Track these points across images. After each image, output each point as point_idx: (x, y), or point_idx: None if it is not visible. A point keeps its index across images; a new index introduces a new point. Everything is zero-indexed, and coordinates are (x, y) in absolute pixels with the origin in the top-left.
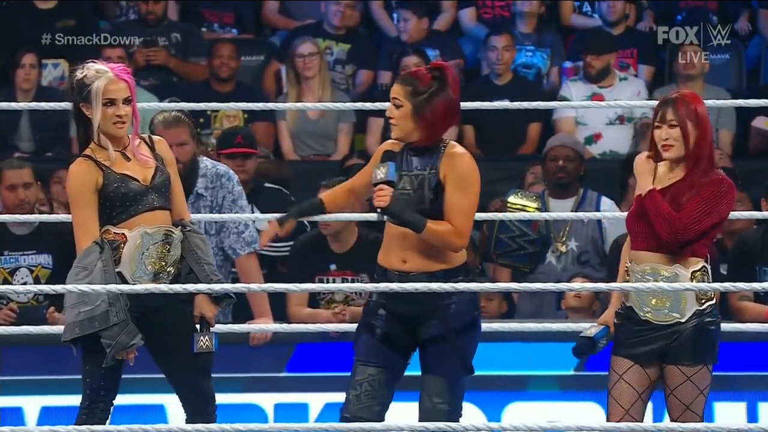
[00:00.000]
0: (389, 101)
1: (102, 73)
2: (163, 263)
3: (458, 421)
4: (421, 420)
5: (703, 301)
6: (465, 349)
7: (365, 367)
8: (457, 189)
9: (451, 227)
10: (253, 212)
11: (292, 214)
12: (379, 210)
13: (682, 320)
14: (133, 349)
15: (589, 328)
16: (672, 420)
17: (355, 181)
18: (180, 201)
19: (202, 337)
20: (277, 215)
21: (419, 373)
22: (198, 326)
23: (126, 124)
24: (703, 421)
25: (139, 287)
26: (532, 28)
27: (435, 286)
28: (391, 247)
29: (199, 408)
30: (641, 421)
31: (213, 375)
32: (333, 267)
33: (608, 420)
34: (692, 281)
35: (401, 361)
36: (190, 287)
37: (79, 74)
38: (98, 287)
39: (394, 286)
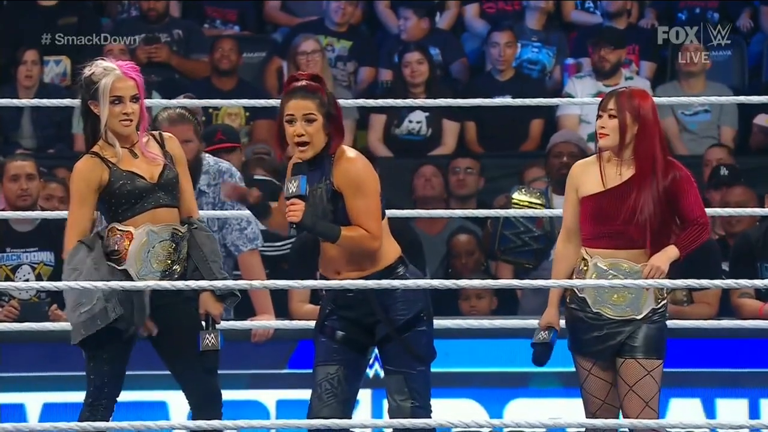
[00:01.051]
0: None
1: (110, 71)
2: (170, 261)
3: (429, 415)
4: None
5: (659, 300)
6: (413, 343)
7: (324, 367)
8: (354, 194)
9: (363, 231)
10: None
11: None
12: (293, 225)
13: (638, 317)
14: (148, 322)
15: (537, 334)
16: (631, 417)
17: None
18: (189, 198)
19: (207, 335)
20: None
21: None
22: (204, 324)
23: (133, 122)
24: (658, 418)
25: (141, 284)
26: (541, 25)
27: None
28: (324, 258)
29: (205, 405)
30: (618, 407)
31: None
32: None
33: (587, 413)
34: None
35: (359, 357)
36: (193, 284)
37: (87, 71)
38: (100, 283)
39: (397, 283)
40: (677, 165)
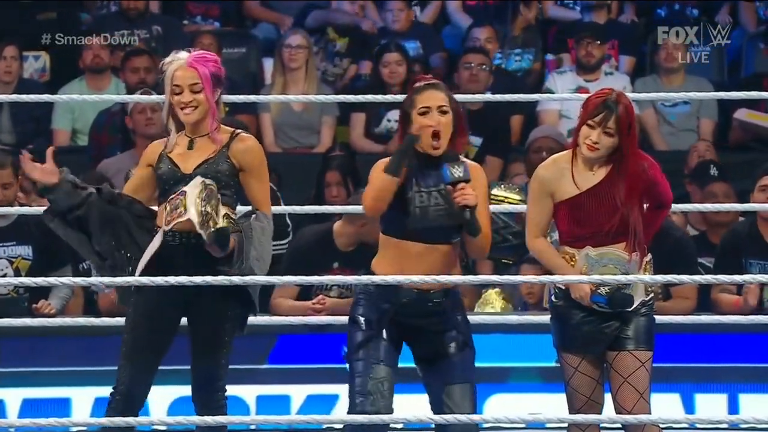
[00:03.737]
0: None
1: (176, 60)
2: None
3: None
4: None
5: (649, 291)
6: (473, 361)
7: (386, 368)
8: (485, 197)
9: (488, 232)
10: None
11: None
12: (468, 208)
13: (628, 309)
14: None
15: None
16: (626, 409)
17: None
18: (257, 196)
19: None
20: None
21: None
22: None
23: (193, 111)
24: (651, 409)
25: (146, 280)
26: (520, 30)
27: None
28: (403, 266)
29: (208, 384)
30: (602, 403)
31: None
32: (336, 265)
33: (571, 409)
34: (645, 272)
35: (397, 361)
36: (210, 279)
37: (162, 63)
38: (100, 280)
39: (365, 279)
40: (642, 155)
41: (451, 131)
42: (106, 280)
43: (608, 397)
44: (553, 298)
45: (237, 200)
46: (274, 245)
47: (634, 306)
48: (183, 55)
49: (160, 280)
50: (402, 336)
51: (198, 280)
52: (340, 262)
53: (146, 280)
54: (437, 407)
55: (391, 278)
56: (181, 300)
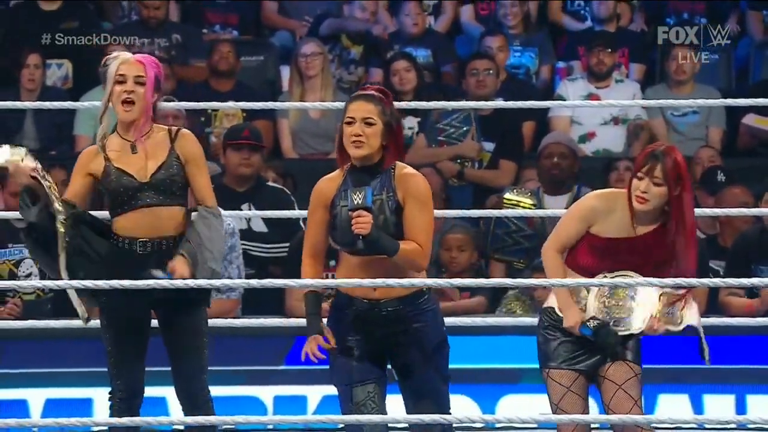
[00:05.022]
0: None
1: (122, 55)
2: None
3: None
4: None
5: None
6: (442, 368)
7: (363, 387)
8: (420, 209)
9: (418, 247)
10: (250, 209)
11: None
12: (360, 237)
13: (627, 330)
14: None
15: (590, 324)
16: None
17: (315, 241)
18: (201, 190)
19: (155, 272)
20: None
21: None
22: (160, 270)
23: (133, 106)
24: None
25: (141, 283)
26: (520, 29)
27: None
28: (353, 275)
29: (193, 407)
30: (590, 428)
31: (214, 368)
32: (333, 263)
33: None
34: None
35: (384, 373)
36: (192, 283)
37: (104, 59)
38: (102, 282)
39: (392, 281)
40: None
41: (377, 143)
42: (126, 283)
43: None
44: (542, 325)
45: (186, 194)
46: (266, 248)
47: (627, 332)
48: (125, 53)
49: (141, 283)
50: (379, 348)
51: (181, 283)
52: (337, 260)
53: (127, 283)
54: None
55: (368, 281)
56: (148, 302)
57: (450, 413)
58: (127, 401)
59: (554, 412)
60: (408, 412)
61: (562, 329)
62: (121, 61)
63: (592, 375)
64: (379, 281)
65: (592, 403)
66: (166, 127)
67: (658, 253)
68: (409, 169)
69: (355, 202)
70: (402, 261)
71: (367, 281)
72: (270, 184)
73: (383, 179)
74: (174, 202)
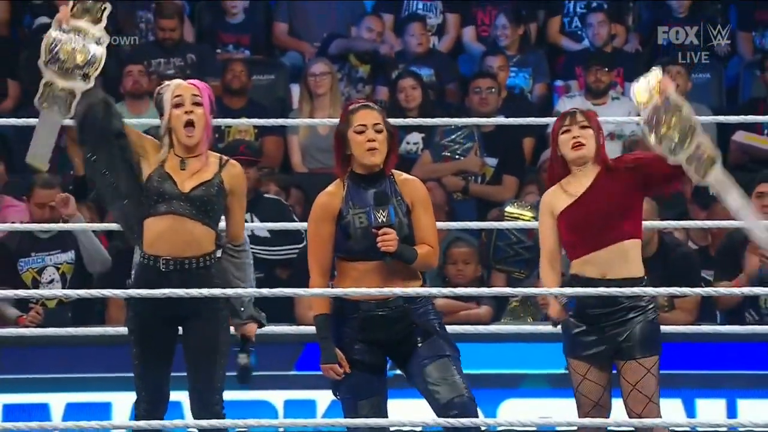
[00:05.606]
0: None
1: (173, 82)
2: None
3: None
4: (443, 400)
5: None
6: (449, 339)
7: (368, 401)
8: (426, 211)
9: (430, 249)
10: (252, 221)
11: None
12: (388, 254)
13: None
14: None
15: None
16: (636, 413)
17: (324, 259)
18: (233, 224)
19: (241, 355)
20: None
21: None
22: (240, 344)
23: (194, 129)
24: (660, 410)
25: (157, 292)
26: (515, 50)
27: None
28: (361, 280)
29: (207, 401)
30: (610, 408)
31: (227, 374)
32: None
33: (579, 413)
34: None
35: (384, 384)
36: (218, 292)
37: (156, 90)
38: (120, 292)
39: (398, 291)
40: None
41: (386, 149)
42: (144, 292)
43: (618, 402)
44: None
45: (218, 222)
46: (273, 250)
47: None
48: (178, 80)
49: (157, 292)
50: (381, 354)
51: (196, 292)
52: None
53: (182, 291)
54: (428, 395)
55: (375, 290)
56: (175, 318)
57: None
58: (151, 412)
59: (575, 394)
60: (423, 391)
61: (582, 317)
62: (176, 85)
63: (609, 361)
64: (387, 290)
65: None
66: (219, 155)
67: (613, 193)
68: (407, 175)
69: (380, 220)
70: (419, 265)
71: (374, 290)
72: (267, 195)
73: (387, 186)
74: (203, 221)
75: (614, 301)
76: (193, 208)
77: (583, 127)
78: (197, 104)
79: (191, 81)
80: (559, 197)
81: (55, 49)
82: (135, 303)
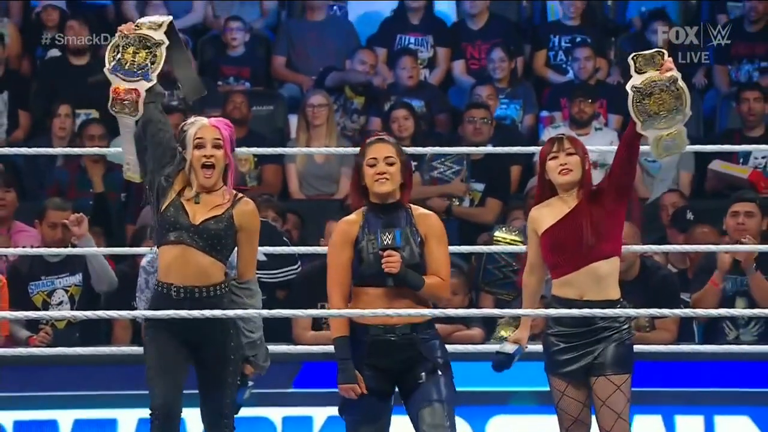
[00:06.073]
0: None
1: (198, 120)
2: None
3: None
4: None
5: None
6: (451, 383)
7: (372, 426)
8: (439, 244)
9: (440, 280)
10: None
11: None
12: (390, 275)
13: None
14: None
15: (502, 345)
16: (606, 429)
17: (345, 282)
18: (245, 261)
19: (245, 389)
20: None
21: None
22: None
23: (213, 170)
24: (630, 428)
25: (185, 312)
26: (507, 83)
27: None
28: (372, 305)
29: (217, 421)
30: (590, 424)
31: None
32: None
33: (561, 428)
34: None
35: (389, 410)
36: (219, 313)
37: (181, 124)
38: (125, 313)
39: (380, 312)
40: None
41: (398, 180)
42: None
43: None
44: (547, 329)
45: (228, 256)
46: (274, 273)
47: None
48: (199, 117)
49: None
50: (387, 381)
51: (208, 313)
52: None
53: (185, 313)
54: None
55: (381, 311)
56: (189, 342)
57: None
58: (162, 420)
59: (556, 410)
60: (416, 419)
61: (560, 336)
62: (199, 126)
63: (586, 376)
64: (380, 311)
65: None
66: (234, 192)
67: (595, 216)
68: (424, 210)
69: (385, 243)
70: (427, 294)
71: (368, 311)
72: (263, 220)
73: (404, 217)
74: (212, 255)
75: (590, 321)
76: (201, 240)
77: (570, 154)
78: (217, 147)
79: (213, 122)
80: (544, 216)
81: (117, 56)
82: (151, 320)
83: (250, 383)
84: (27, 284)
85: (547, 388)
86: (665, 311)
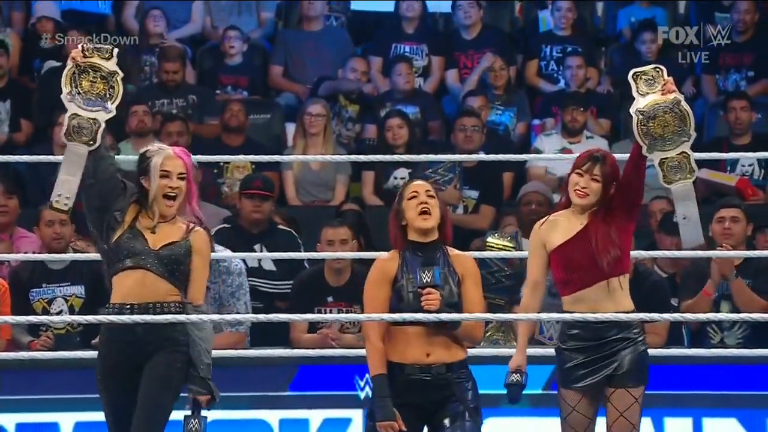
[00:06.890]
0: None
1: (162, 150)
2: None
3: None
4: None
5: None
6: (479, 427)
7: None
8: (475, 286)
9: (476, 322)
10: (261, 251)
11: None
12: (430, 312)
13: (689, 139)
14: None
15: (509, 376)
16: None
17: (380, 323)
18: (196, 285)
19: (192, 420)
20: None
21: None
22: (191, 409)
23: (175, 201)
24: None
25: (163, 317)
26: (502, 91)
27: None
28: (409, 343)
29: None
30: None
31: (225, 394)
32: (330, 299)
33: None
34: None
35: None
36: (206, 317)
37: (142, 150)
38: (119, 318)
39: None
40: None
41: (438, 215)
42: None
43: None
44: (556, 341)
45: (185, 286)
46: (273, 284)
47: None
48: (162, 146)
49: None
50: (417, 420)
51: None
52: (334, 296)
53: (161, 317)
54: None
55: (388, 315)
56: (137, 360)
57: None
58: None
59: (562, 427)
60: None
61: (575, 350)
62: (164, 156)
63: (599, 392)
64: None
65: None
66: (188, 222)
67: (607, 233)
68: (460, 251)
69: (425, 281)
70: (462, 334)
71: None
72: (281, 227)
73: (441, 256)
74: (171, 280)
75: (604, 334)
76: (161, 265)
77: (595, 179)
78: (182, 178)
79: (177, 152)
80: (554, 233)
81: (75, 82)
82: (103, 355)
83: (204, 414)
84: (28, 291)
85: (539, 391)
86: (654, 316)
